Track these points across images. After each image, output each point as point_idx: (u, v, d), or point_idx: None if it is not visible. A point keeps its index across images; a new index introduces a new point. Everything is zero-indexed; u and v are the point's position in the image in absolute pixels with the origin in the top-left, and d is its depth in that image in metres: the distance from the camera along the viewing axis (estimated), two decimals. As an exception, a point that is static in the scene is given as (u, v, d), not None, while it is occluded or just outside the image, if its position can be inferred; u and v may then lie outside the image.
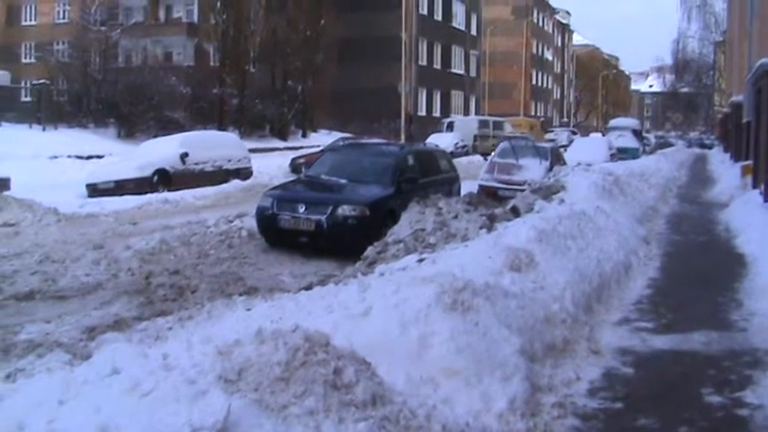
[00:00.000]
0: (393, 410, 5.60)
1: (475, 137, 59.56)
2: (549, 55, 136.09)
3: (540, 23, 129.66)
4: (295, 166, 36.45)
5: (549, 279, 9.63)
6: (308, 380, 5.33)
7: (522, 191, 19.99)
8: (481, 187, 25.11)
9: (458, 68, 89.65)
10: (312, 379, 5.34)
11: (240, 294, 12.62)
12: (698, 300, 11.61)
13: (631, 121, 73.44)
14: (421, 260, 10.43)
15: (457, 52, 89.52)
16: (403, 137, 56.85)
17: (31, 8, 78.06)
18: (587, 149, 37.43)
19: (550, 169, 24.59)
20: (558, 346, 8.41)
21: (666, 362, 8.64)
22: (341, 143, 35.02)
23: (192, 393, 4.88)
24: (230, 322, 8.66)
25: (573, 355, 8.43)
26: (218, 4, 60.40)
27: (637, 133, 60.88)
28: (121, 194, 25.26)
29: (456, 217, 15.10)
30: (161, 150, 29.17)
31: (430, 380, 6.51)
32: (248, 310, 10.02)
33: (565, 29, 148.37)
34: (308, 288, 11.20)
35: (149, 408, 4.77)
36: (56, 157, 37.09)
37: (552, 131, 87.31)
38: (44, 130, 45.32)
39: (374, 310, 7.21)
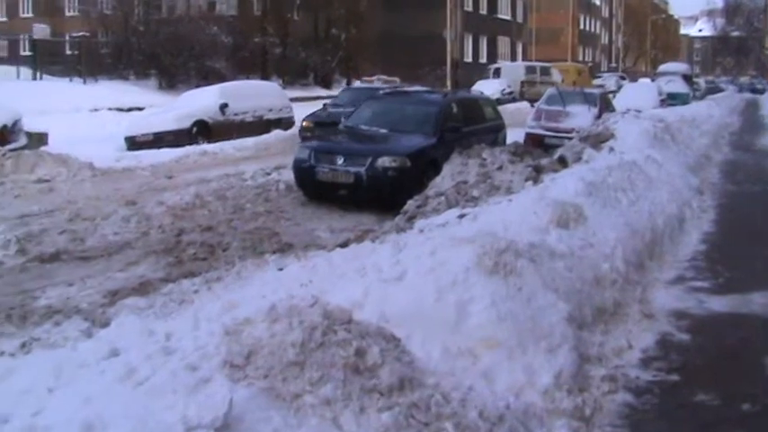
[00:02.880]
0: (423, 396, 4.95)
1: (522, 83, 58.59)
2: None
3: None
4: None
5: (598, 235, 9.00)
6: (326, 363, 4.70)
7: (570, 138, 19.40)
8: (528, 135, 24.56)
9: (504, 14, 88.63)
10: (330, 362, 4.72)
11: (273, 252, 12.14)
12: (757, 256, 10.90)
13: (681, 66, 72.16)
14: (462, 216, 9.86)
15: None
16: (449, 84, 56.19)
17: (73, -40, 77.82)
18: (636, 95, 36.81)
19: (599, 116, 23.93)
20: (609, 310, 7.79)
21: (725, 326, 8.00)
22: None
23: (192, 382, 4.30)
24: (258, 285, 8.18)
25: (624, 319, 7.80)
26: (261, -50, 59.87)
27: (687, 78, 59.69)
28: (160, 147, 24.76)
29: (500, 168, 14.54)
30: (200, 101, 28.64)
31: (468, 352, 5.93)
32: (280, 269, 9.59)
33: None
34: (344, 245, 10.69)
35: (143, 399, 4.21)
36: (96, 109, 36.84)
37: (600, 77, 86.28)
38: (84, 82, 45.24)
39: (409, 273, 6.65)
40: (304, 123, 27.14)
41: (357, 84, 31.13)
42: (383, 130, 17.99)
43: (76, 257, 12.27)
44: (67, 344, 6.73)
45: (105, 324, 7.70)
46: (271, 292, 7.17)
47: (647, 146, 15.71)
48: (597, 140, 16.69)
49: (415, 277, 6.57)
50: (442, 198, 13.25)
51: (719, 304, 8.66)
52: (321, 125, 25.44)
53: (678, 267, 10.20)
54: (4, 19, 76.19)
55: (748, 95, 75.72)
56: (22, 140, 22.71)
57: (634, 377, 6.55)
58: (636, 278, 8.97)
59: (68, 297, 10.20)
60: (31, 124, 24.42)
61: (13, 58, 50.93)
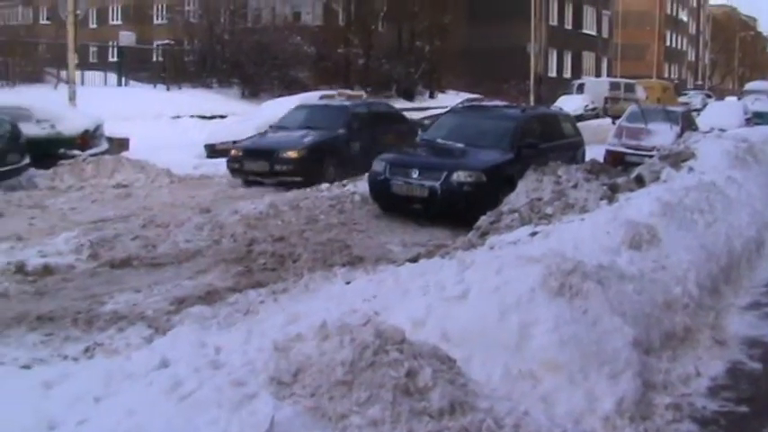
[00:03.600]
0: (474, 420, 4.81)
1: (605, 99, 58.03)
2: (683, 15, 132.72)
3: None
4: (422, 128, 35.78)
5: (671, 258, 8.80)
6: (376, 384, 4.62)
7: (651, 157, 19.15)
8: (608, 152, 24.37)
9: (589, 29, 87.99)
10: (380, 383, 4.63)
11: (343, 265, 12.16)
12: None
13: (769, 85, 70.97)
14: (534, 233, 9.78)
15: (589, 12, 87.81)
16: (532, 98, 55.87)
17: (163, -31, 78.77)
18: (721, 114, 36.23)
19: (681, 134, 23.60)
20: (678, 335, 7.59)
21: (801, 357, 7.78)
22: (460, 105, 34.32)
23: (237, 398, 4.24)
24: (323, 299, 8.16)
25: (694, 345, 7.58)
26: (346, -38, 60.10)
27: (774, 97, 58.67)
28: (239, 155, 24.90)
29: (575, 186, 14.36)
30: (280, 111, 28.79)
31: (529, 375, 5.83)
32: (347, 283, 9.53)
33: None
34: (414, 260, 10.68)
35: (186, 413, 4.15)
36: (178, 116, 37.34)
37: (686, 94, 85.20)
38: (168, 89, 45.72)
39: (472, 292, 6.55)
40: (232, 152, 22.17)
41: (316, 97, 29.32)
42: (459, 145, 17.84)
43: (147, 264, 12.38)
44: (127, 351, 6.77)
45: (168, 331, 7.68)
46: (334, 305, 7.13)
47: (728, 166, 15.40)
48: (677, 159, 16.42)
49: (478, 296, 6.48)
50: (516, 215, 13.14)
51: (796, 333, 8.41)
52: (252, 155, 21.35)
53: (754, 293, 9.91)
54: (95, 26, 77.31)
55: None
56: (104, 146, 23.11)
57: (700, 407, 6.36)
58: (709, 303, 8.74)
59: (135, 303, 10.30)
60: (113, 130, 24.81)
61: (101, 65, 51.74)
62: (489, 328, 6.10)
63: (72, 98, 28.68)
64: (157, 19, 74.13)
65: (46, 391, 5.01)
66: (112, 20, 78.60)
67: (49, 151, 20.92)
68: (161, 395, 4.38)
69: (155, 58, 54.04)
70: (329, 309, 6.85)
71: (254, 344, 5.13)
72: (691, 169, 14.68)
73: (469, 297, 6.50)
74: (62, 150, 21.33)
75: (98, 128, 23.24)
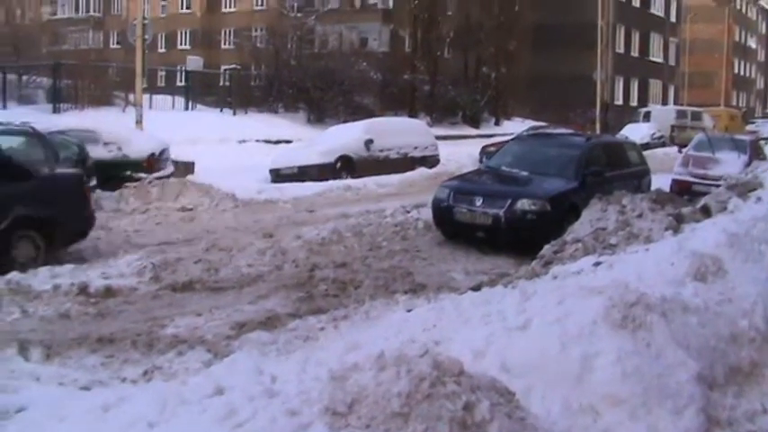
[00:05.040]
0: (533, 455, 4.80)
1: (672, 127, 57.54)
2: (752, 43, 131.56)
3: (744, 9, 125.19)
4: (486, 154, 35.68)
5: (738, 290, 8.62)
6: (432, 416, 4.55)
7: (719, 186, 18.92)
8: (675, 181, 24.08)
9: (656, 56, 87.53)
10: (437, 415, 4.57)
11: (405, 292, 12.13)
12: None
13: (840, 112, 70.12)
14: (597, 263, 9.66)
15: (655, 39, 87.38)
16: (598, 126, 55.55)
17: (231, -4, 79.48)
18: (791, 143, 35.89)
19: (749, 163, 23.32)
20: (744, 369, 7.42)
21: None
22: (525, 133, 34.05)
23: (291, 428, 4.23)
24: (383, 327, 8.08)
25: (761, 381, 7.39)
26: (413, -11, 60.27)
27: None
28: (304, 181, 25.09)
29: (640, 216, 14.20)
30: (345, 136, 29.01)
31: (590, 408, 5.72)
32: (408, 311, 9.46)
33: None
34: (477, 288, 10.57)
35: (239, 442, 4.16)
36: (244, 141, 37.59)
37: (754, 122, 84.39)
38: (234, 114, 46.13)
39: (533, 323, 6.48)
40: None
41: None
42: (524, 173, 17.78)
43: (208, 288, 12.47)
44: (185, 375, 6.78)
45: (227, 356, 7.71)
46: (394, 334, 7.08)
47: (798, 197, 15.19)
48: (744, 189, 16.19)
49: (539, 327, 6.40)
50: (579, 244, 13.01)
51: None
52: None
53: (823, 327, 9.74)
54: (163, 50, 78.29)
55: None
56: (169, 169, 23.31)
57: (766, 444, 6.24)
58: (776, 337, 8.59)
59: (195, 327, 10.36)
60: (179, 153, 25.01)
61: (169, 89, 52.24)
62: (550, 359, 6.01)
63: (139, 121, 28.96)
64: (225, 44, 75.21)
65: (103, 414, 5.04)
66: (181, 44, 79.82)
67: (115, 174, 21.15)
68: (214, 423, 4.39)
69: (222, 83, 54.54)
70: (388, 337, 6.81)
71: (311, 372, 5.10)
72: (759, 199, 14.44)
73: (531, 328, 6.43)
74: (128, 173, 21.51)
75: (164, 151, 23.46)
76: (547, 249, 13.28)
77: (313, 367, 5.32)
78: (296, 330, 10.09)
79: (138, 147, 22.74)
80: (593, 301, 6.67)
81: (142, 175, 21.56)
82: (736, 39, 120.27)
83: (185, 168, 25.13)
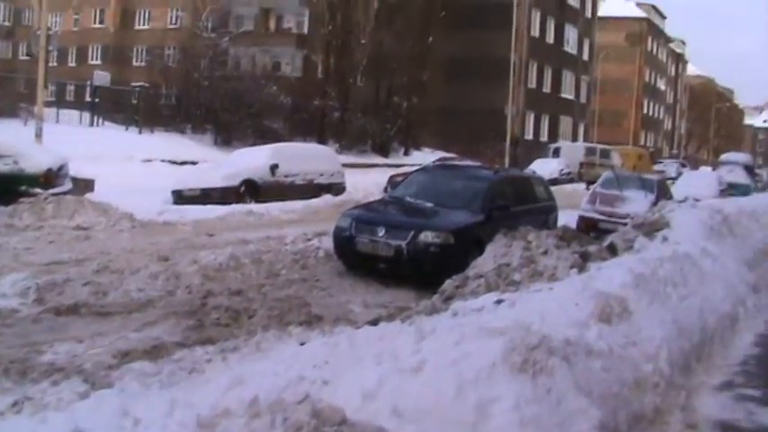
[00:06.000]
0: None
1: (581, 164, 58.14)
2: (661, 84, 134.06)
3: (654, 51, 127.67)
4: (393, 184, 35.52)
5: (643, 333, 8.35)
6: (308, 472, 4.16)
7: (625, 224, 18.84)
8: (581, 218, 24.10)
9: (568, 93, 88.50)
10: (313, 470, 4.18)
11: (300, 324, 11.72)
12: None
13: (743, 156, 71.21)
14: (499, 301, 9.31)
15: (567, 77, 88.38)
16: (507, 160, 55.89)
17: (145, 12, 78.96)
18: (696, 184, 36.65)
19: (656, 203, 23.34)
20: (647, 416, 7.14)
21: (775, 445, 7.32)
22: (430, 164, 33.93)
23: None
24: (273, 361, 7.63)
25: (664, 428, 7.14)
26: (327, 15, 60.13)
27: (748, 169, 58.78)
28: (206, 203, 24.59)
29: (545, 253, 13.98)
30: (251, 160, 28.58)
31: (485, 459, 5.36)
32: (302, 344, 9.02)
33: (679, 58, 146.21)
34: (375, 323, 10.17)
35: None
36: (149, 160, 37.26)
37: (661, 162, 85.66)
38: (140, 132, 45.68)
39: (428, 365, 6.07)
40: None
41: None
42: (429, 204, 17.46)
43: (94, 312, 11.93)
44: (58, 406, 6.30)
45: (106, 387, 7.43)
46: (284, 369, 6.63)
47: (703, 237, 15.06)
48: (651, 228, 16.09)
49: (434, 370, 6.00)
50: (482, 280, 12.78)
51: (770, 418, 7.95)
52: None
53: (727, 372, 9.48)
54: (74, 64, 77.55)
55: (813, 189, 74.30)
56: (67, 185, 22.63)
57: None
58: (680, 382, 8.30)
59: (75, 354, 9.84)
60: (79, 170, 24.39)
61: (78, 104, 51.94)
62: (444, 404, 5.63)
63: (38, 135, 28.25)
64: (137, 61, 74.61)
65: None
66: (92, 59, 79.34)
67: (9, 188, 20.40)
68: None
69: (133, 100, 53.89)
70: (277, 373, 6.36)
71: (177, 417, 4.64)
72: (665, 239, 14.31)
73: (425, 369, 6.03)
74: (24, 188, 20.78)
75: (63, 167, 22.72)
76: (448, 284, 13.03)
77: (181, 410, 4.85)
78: (182, 361, 9.59)
79: (36, 161, 21.97)
80: (493, 343, 6.31)
81: (38, 190, 20.85)
82: (646, 80, 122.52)
83: (85, 185, 24.46)
